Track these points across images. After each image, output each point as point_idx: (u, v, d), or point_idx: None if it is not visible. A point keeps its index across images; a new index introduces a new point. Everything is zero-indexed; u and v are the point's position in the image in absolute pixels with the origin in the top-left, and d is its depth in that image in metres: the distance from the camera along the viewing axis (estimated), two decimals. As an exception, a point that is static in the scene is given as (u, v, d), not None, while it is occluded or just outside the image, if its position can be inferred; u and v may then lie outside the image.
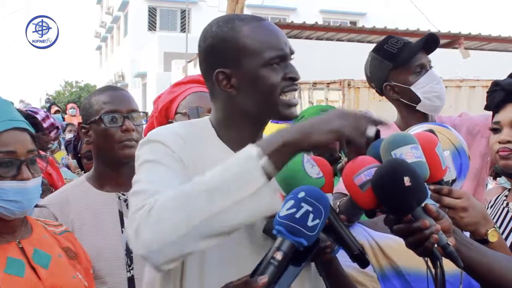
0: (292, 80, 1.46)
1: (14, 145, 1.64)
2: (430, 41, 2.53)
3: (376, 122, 1.32)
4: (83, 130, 2.16)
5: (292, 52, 1.50)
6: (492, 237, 1.57)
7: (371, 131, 1.30)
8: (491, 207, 2.18)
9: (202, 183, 1.24)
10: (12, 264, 1.62)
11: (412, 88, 2.48)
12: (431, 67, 2.53)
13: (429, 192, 1.52)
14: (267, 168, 1.23)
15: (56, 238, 1.80)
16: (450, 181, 1.63)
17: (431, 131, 1.57)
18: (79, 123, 2.25)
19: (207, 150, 1.46)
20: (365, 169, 1.36)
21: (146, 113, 2.22)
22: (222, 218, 1.21)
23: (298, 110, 1.54)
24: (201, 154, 1.44)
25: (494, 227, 1.59)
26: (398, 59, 2.49)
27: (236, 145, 1.48)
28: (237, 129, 1.50)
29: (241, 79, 1.45)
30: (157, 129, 1.50)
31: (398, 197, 1.31)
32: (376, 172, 1.34)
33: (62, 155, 7.17)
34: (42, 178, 1.78)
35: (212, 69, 1.47)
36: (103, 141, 2.09)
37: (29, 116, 1.79)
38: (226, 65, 1.45)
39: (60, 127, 5.24)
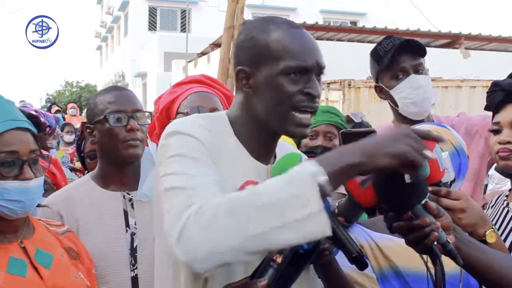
0: (309, 96, 1.40)
1: (16, 145, 1.64)
2: (407, 46, 2.43)
3: (431, 138, 1.29)
4: (88, 130, 2.17)
5: (320, 67, 1.42)
6: (490, 238, 1.58)
7: (428, 152, 1.24)
8: (491, 207, 2.18)
9: (257, 196, 1.17)
10: (14, 264, 1.62)
11: (391, 92, 2.45)
12: (418, 70, 2.44)
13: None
14: (325, 190, 1.16)
15: (58, 238, 1.81)
16: (449, 182, 1.63)
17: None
18: (83, 123, 2.25)
19: (226, 145, 1.44)
20: None
21: (150, 113, 2.23)
22: (273, 236, 1.15)
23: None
24: (221, 148, 1.42)
25: (492, 228, 1.60)
26: (383, 62, 2.45)
27: (249, 146, 1.47)
28: (251, 131, 1.47)
29: (258, 81, 1.42)
30: (182, 121, 1.45)
31: (398, 195, 1.31)
32: None
33: (62, 154, 7.17)
34: (46, 178, 1.79)
35: (237, 65, 1.47)
36: (107, 141, 2.09)
37: (31, 116, 1.80)
38: (248, 64, 1.44)
39: (53, 125, 5.20)
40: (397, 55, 2.43)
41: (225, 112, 1.54)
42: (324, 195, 1.16)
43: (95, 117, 2.12)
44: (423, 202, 1.34)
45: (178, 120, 1.47)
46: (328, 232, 1.17)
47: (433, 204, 1.35)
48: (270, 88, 1.40)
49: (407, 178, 1.28)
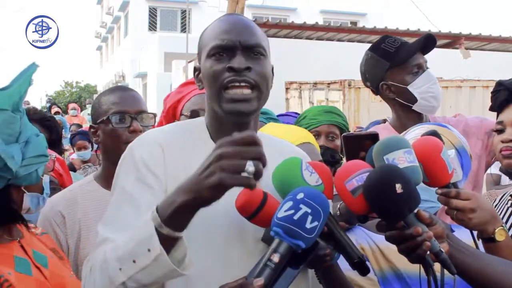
0: (233, 71, 1.39)
1: None
2: (428, 42, 2.54)
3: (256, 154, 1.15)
4: (92, 130, 2.18)
5: (245, 45, 1.41)
6: (500, 236, 1.55)
7: (250, 167, 1.13)
8: (495, 206, 2.18)
9: (116, 249, 1.26)
10: (20, 263, 1.62)
11: (409, 88, 2.48)
12: (427, 67, 2.54)
13: (436, 195, 1.50)
14: (164, 232, 1.18)
15: (40, 240, 1.80)
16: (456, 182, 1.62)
17: (435, 132, 1.55)
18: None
19: (200, 153, 1.34)
20: (356, 174, 1.33)
21: (154, 114, 2.23)
22: (135, 280, 1.23)
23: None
24: (190, 158, 1.40)
25: (502, 226, 1.57)
26: (395, 58, 2.49)
27: None
28: (216, 126, 1.49)
29: (202, 73, 1.48)
30: (139, 138, 1.50)
31: (389, 205, 1.28)
32: (368, 178, 1.31)
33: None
34: (53, 178, 1.79)
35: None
36: (110, 141, 2.10)
37: (45, 118, 1.79)
38: (198, 60, 1.51)
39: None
40: (415, 51, 2.49)
41: (204, 117, 1.56)
42: (166, 237, 1.18)
43: (99, 117, 2.12)
44: (415, 211, 1.31)
45: (139, 137, 1.52)
46: (177, 273, 1.22)
47: (425, 213, 1.32)
48: (204, 74, 1.45)
49: (398, 188, 1.26)
